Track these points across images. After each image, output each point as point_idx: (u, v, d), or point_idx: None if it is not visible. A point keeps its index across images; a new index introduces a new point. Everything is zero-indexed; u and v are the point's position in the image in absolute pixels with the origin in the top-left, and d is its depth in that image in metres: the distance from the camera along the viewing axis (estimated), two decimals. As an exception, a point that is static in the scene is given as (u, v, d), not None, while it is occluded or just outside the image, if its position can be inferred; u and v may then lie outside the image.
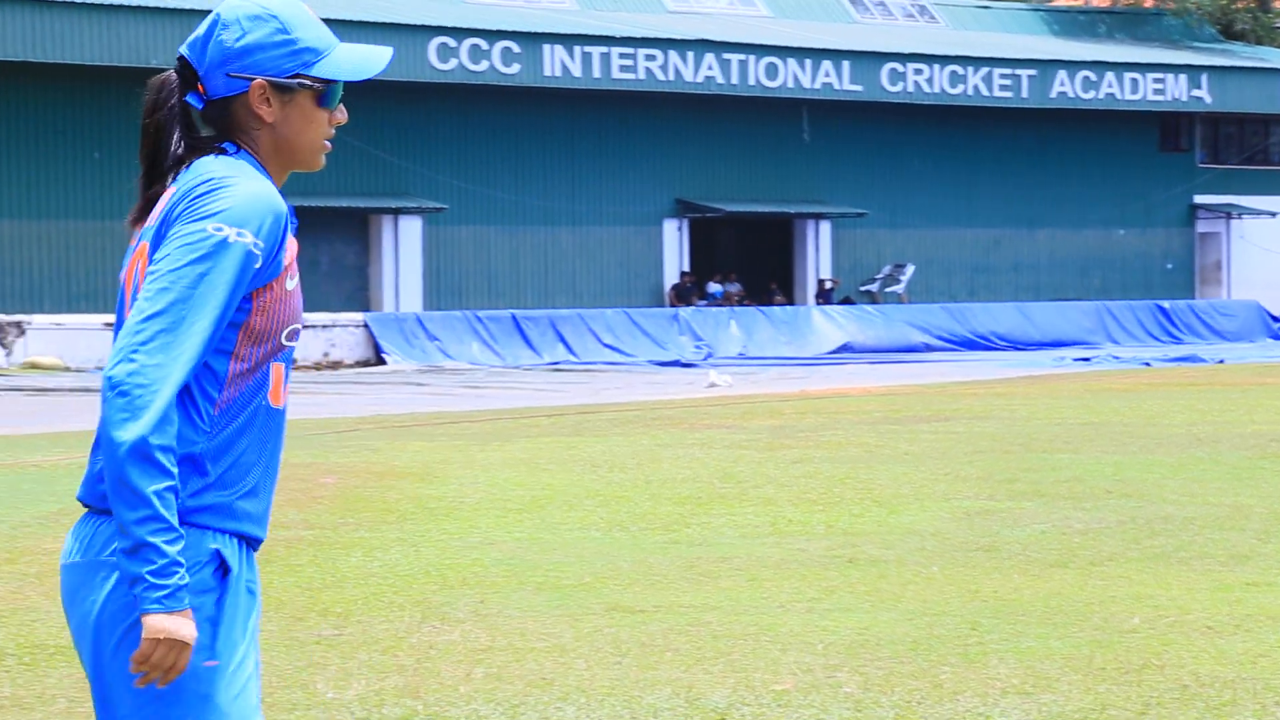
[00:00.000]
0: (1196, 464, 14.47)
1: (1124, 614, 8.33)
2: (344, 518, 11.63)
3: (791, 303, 45.02)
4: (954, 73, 44.96)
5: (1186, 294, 49.82)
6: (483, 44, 39.73)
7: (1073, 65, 46.58)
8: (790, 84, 43.24)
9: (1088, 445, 16.00)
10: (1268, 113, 50.33)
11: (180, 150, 3.28)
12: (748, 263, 46.56)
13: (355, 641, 7.85)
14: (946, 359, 37.57)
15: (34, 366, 32.69)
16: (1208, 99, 48.29)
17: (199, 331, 3.12)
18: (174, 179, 3.28)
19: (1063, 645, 7.66)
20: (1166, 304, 45.32)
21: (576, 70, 40.79)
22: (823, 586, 9.16)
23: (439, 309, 39.97)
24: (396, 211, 41.14)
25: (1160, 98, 47.71)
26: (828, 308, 42.28)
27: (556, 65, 40.53)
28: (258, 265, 3.17)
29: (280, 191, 3.38)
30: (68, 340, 33.33)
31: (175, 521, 3.08)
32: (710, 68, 42.18)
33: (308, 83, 3.28)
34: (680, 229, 44.56)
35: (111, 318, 26.72)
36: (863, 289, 45.95)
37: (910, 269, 46.08)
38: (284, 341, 3.26)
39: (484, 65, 39.79)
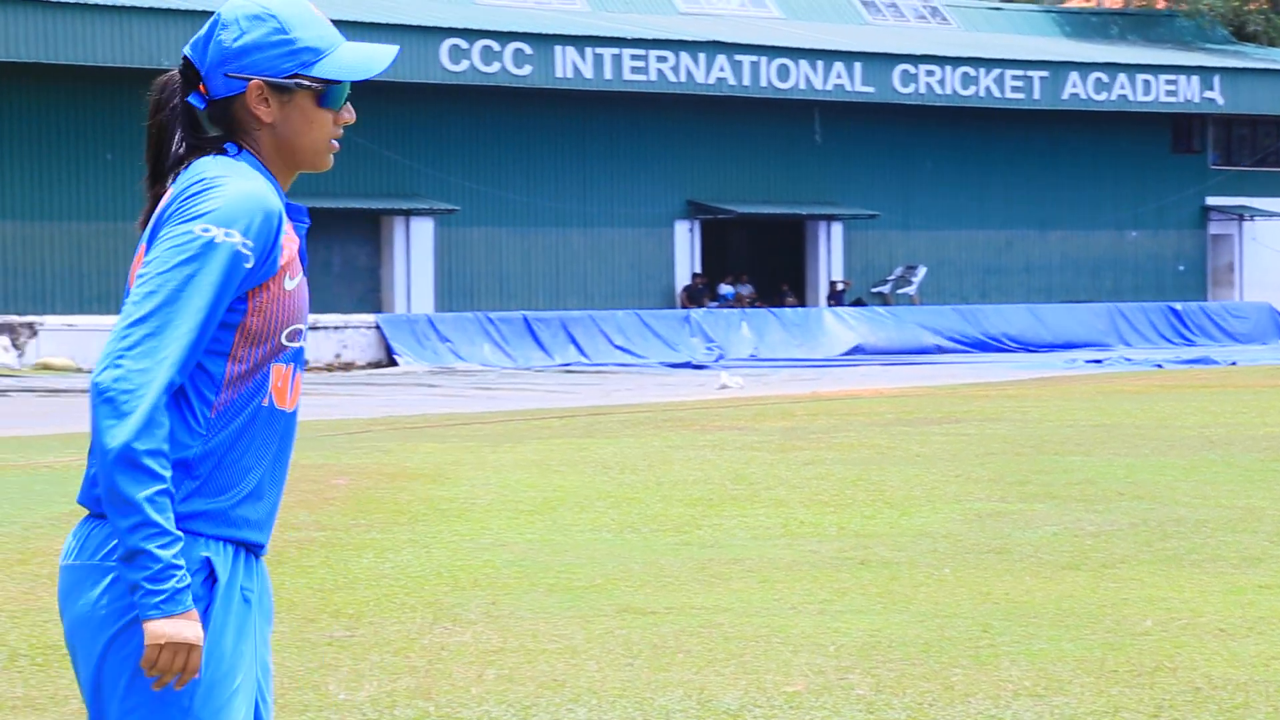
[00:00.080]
0: (1209, 466, 14.45)
1: (1136, 616, 8.32)
2: (356, 519, 11.63)
3: (803, 304, 45.00)
4: (966, 74, 44.92)
5: (1199, 296, 49.75)
6: (494, 45, 39.74)
7: (1085, 67, 46.52)
8: (802, 85, 43.22)
9: (1100, 447, 15.98)
10: (1280, 114, 50.29)
11: (181, 150, 3.26)
12: (759, 264, 46.54)
13: (367, 643, 7.86)
14: (958, 361, 37.54)
15: (46, 367, 32.74)
16: (1220, 100, 48.23)
17: (185, 334, 3.09)
18: (174, 180, 3.26)
19: (1075, 648, 7.65)
20: (1179, 306, 45.26)
21: (588, 71, 40.79)
22: (834, 588, 9.15)
23: (450, 310, 39.98)
24: (408, 213, 41.16)
25: (1173, 99, 47.64)
26: (839, 309, 42.25)
27: (568, 66, 40.54)
28: (249, 265, 3.14)
29: (289, 191, 3.36)
30: (80, 341, 33.37)
31: (170, 525, 3.06)
32: (722, 69, 42.17)
33: (305, 83, 3.25)
34: (692, 230, 44.55)
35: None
36: (874, 290, 45.91)
37: (922, 270, 46.04)
38: (284, 342, 3.23)
39: (495, 67, 39.80)
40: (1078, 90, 46.24)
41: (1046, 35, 51.04)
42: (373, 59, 3.29)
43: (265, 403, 3.23)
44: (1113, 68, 46.86)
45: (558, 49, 40.39)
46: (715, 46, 42.13)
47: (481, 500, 12.74)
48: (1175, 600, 8.72)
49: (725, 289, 44.94)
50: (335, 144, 3.31)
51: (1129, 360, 35.98)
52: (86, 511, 3.26)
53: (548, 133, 42.53)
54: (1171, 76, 47.56)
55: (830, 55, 43.46)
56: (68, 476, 13.99)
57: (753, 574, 9.61)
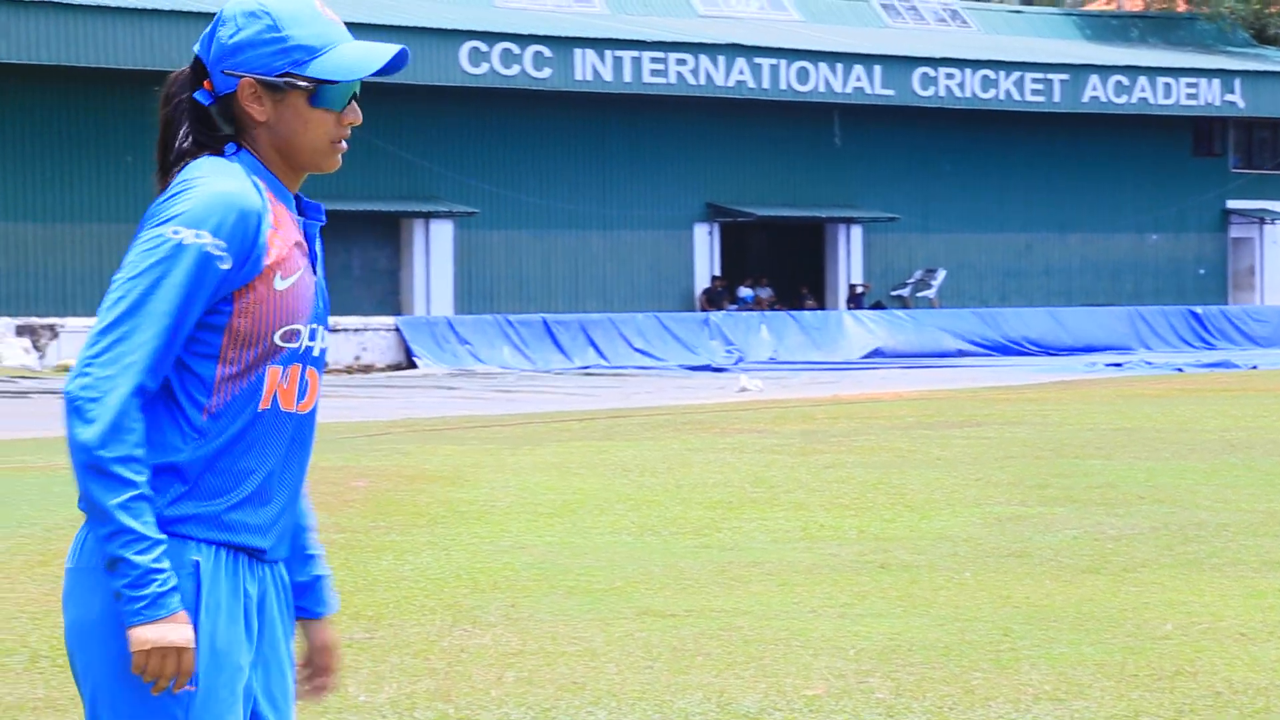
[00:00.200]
0: (1230, 470, 14.41)
1: (1157, 620, 8.30)
2: (375, 521, 11.64)
3: (822, 307, 44.98)
4: (986, 77, 44.87)
5: (1219, 299, 49.64)
6: (514, 48, 39.77)
7: (1105, 70, 46.45)
8: (821, 88, 43.20)
9: (1120, 451, 15.96)
10: (1301, 118, 50.19)
11: (187, 145, 3.22)
12: (779, 267, 46.52)
13: (387, 645, 7.86)
14: (978, 364, 37.49)
15: (67, 369, 32.80)
16: (1241, 104, 48.12)
17: (151, 339, 3.06)
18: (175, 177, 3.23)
19: (1095, 651, 7.64)
20: (1199, 309, 45.16)
21: (607, 74, 40.81)
22: (854, 591, 9.14)
23: (470, 313, 40.02)
24: (428, 215, 41.20)
25: (1193, 102, 47.55)
26: (859, 312, 42.22)
27: (587, 69, 40.56)
28: (225, 266, 3.09)
29: (307, 190, 3.33)
30: (100, 343, 33.41)
31: (147, 529, 3.03)
32: (741, 72, 42.17)
33: (296, 82, 3.19)
34: (711, 233, 44.55)
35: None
36: (894, 294, 45.88)
37: (942, 273, 45.99)
38: (278, 343, 3.16)
39: (515, 70, 39.83)
40: (1098, 93, 46.17)
41: (1067, 38, 50.96)
42: (362, 61, 3.21)
43: (267, 405, 3.17)
44: (1133, 71, 46.78)
45: (577, 52, 40.41)
46: (735, 49, 42.13)
47: (501, 503, 12.75)
48: (1196, 604, 8.69)
49: (744, 292, 44.93)
50: (341, 145, 3.25)
51: (1149, 364, 35.92)
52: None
53: (567, 135, 42.55)
54: (1192, 80, 47.47)
55: (850, 58, 43.44)
56: (88, 478, 13.99)
57: (772, 577, 9.60)
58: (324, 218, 3.31)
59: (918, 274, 46.25)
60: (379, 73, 3.24)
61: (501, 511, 12.28)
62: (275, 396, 3.19)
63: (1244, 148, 51.24)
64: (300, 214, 3.28)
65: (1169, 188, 49.67)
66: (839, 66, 43.26)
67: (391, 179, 40.54)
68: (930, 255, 46.76)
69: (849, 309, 43.66)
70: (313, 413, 3.28)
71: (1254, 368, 34.18)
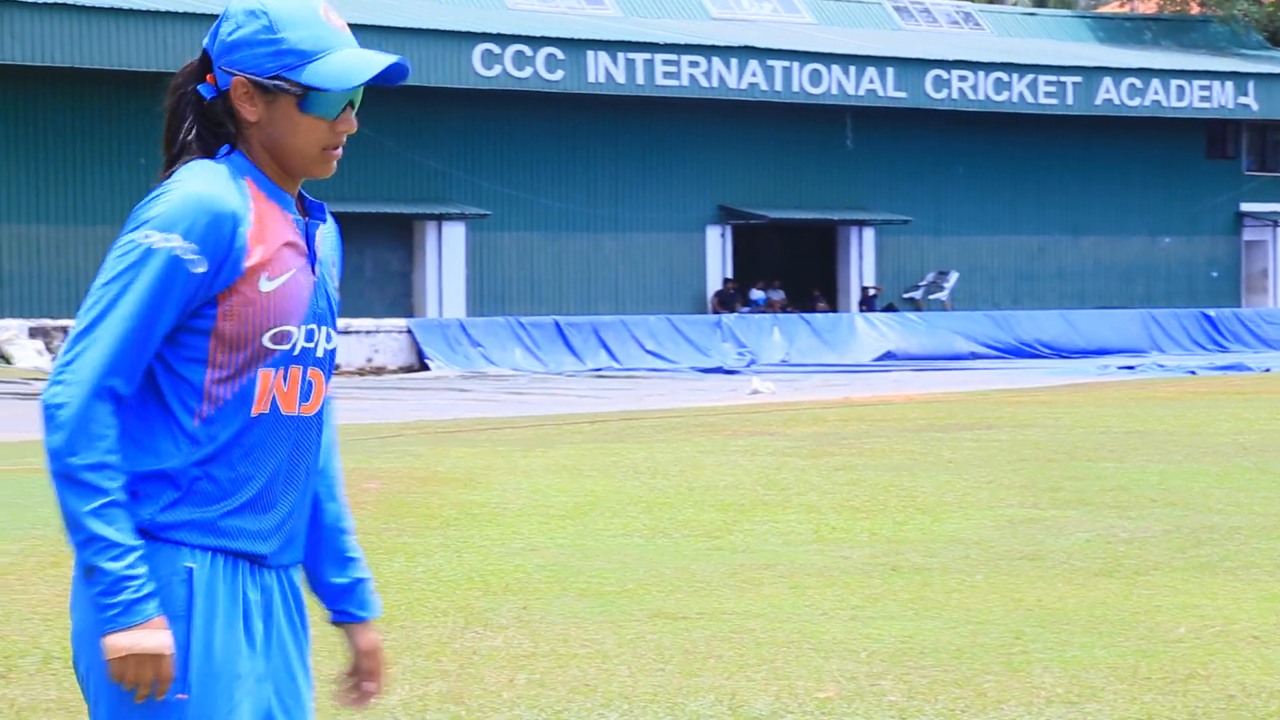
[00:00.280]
0: (1243, 473, 14.39)
1: (1169, 623, 8.29)
2: (387, 523, 11.65)
3: (835, 310, 44.98)
4: (999, 79, 44.85)
5: (1232, 302, 49.58)
6: (527, 50, 39.80)
7: (1118, 72, 46.41)
8: (834, 90, 43.19)
9: (1132, 454, 15.93)
10: (1315, 120, 50.12)
11: (190, 138, 3.19)
12: (791, 269, 46.52)
13: (399, 647, 7.86)
14: (990, 366, 37.46)
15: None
16: (1254, 106, 48.07)
17: (116, 345, 3.03)
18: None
19: (1108, 655, 7.63)
20: (1212, 312, 45.11)
21: (620, 77, 40.83)
22: (866, 594, 9.14)
23: (482, 315, 40.04)
24: (440, 217, 41.24)
25: (1207, 105, 47.50)
26: (871, 315, 42.21)
27: (600, 72, 40.58)
28: (200, 270, 3.05)
29: (317, 190, 3.31)
30: (113, 345, 33.48)
31: (119, 536, 3.00)
32: (754, 74, 42.17)
33: (285, 85, 3.13)
34: (723, 235, 44.55)
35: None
36: (906, 296, 45.86)
37: (954, 276, 45.97)
38: (268, 346, 3.11)
39: (528, 72, 39.85)
40: (1111, 96, 46.13)
41: (1080, 41, 50.93)
42: (354, 70, 3.13)
43: (264, 409, 3.13)
44: (1147, 73, 46.74)
45: (590, 54, 40.43)
46: (747, 51, 42.13)
47: (513, 505, 12.75)
48: (1209, 607, 8.68)
49: (756, 294, 44.93)
50: (333, 153, 3.18)
51: (1162, 366, 35.88)
52: None
53: (579, 138, 42.58)
54: (1206, 82, 47.43)
55: (863, 60, 43.43)
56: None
57: (784, 579, 9.59)
58: (326, 217, 3.26)
59: (930, 276, 46.23)
60: (379, 83, 3.18)
61: (513, 514, 12.29)
62: (274, 400, 3.14)
63: (1257, 150, 51.18)
64: (305, 214, 3.24)
65: (1182, 190, 49.62)
66: (851, 69, 43.26)
67: (404, 181, 40.58)
68: (942, 258, 46.73)
69: (861, 311, 43.65)
70: (318, 415, 3.23)
71: (1267, 370, 34.13)
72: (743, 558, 10.37)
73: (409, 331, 36.58)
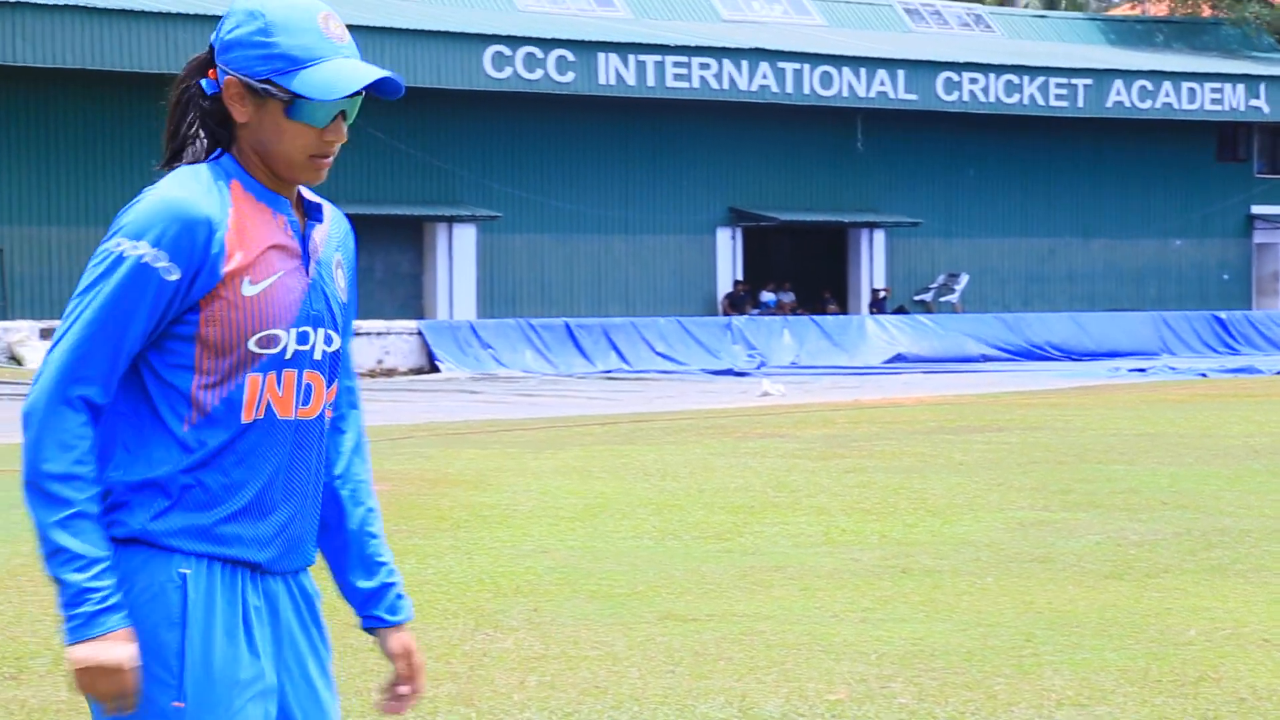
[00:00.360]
0: (1253, 476, 14.37)
1: (1180, 626, 8.28)
2: (398, 525, 11.66)
3: (845, 312, 44.96)
4: (1010, 82, 44.82)
5: (1243, 305, 49.52)
6: (537, 53, 39.81)
7: (1129, 75, 46.37)
8: (845, 93, 43.18)
9: (1143, 456, 15.92)
10: (1326, 123, 50.06)
11: (190, 131, 3.18)
12: (801, 272, 46.51)
13: (408, 648, 7.86)
14: (1001, 369, 37.43)
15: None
16: (1266, 109, 48.01)
17: (81, 355, 3.02)
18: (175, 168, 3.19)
19: (1118, 657, 7.62)
20: (1223, 315, 45.06)
21: (631, 79, 40.84)
22: (876, 596, 9.13)
23: (493, 317, 40.06)
24: (451, 219, 41.26)
25: (1218, 108, 47.45)
26: (881, 317, 42.19)
27: (611, 74, 40.59)
28: (173, 277, 3.02)
29: (324, 189, 3.28)
30: (124, 346, 33.52)
31: (83, 547, 2.99)
32: (765, 76, 42.17)
33: (273, 90, 3.10)
34: (734, 238, 44.55)
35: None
36: (917, 298, 45.84)
37: (964, 278, 45.95)
38: (254, 350, 3.07)
39: (538, 74, 39.87)
40: (1122, 98, 46.09)
41: (1091, 43, 50.89)
42: (340, 81, 3.09)
43: (259, 414, 3.09)
44: (1157, 76, 46.70)
45: (600, 56, 40.44)
46: (758, 54, 42.13)
47: (523, 507, 12.76)
48: (1219, 610, 8.67)
49: (767, 296, 44.92)
50: (321, 161, 3.14)
51: (1173, 369, 35.84)
52: None
53: (590, 139, 42.59)
54: (1217, 85, 47.38)
55: (873, 63, 43.42)
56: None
57: (794, 581, 9.59)
58: (323, 217, 3.22)
59: (940, 279, 46.20)
60: (375, 95, 3.15)
61: (523, 515, 12.29)
62: (269, 405, 3.11)
63: (1268, 153, 51.12)
64: (305, 215, 3.21)
65: (1193, 193, 49.58)
66: (862, 71, 43.24)
67: (414, 183, 40.60)
68: (953, 260, 46.71)
69: (871, 314, 43.63)
70: (320, 418, 3.19)
71: (1278, 373, 34.09)
72: (753, 560, 10.37)
73: (419, 333, 36.59)
